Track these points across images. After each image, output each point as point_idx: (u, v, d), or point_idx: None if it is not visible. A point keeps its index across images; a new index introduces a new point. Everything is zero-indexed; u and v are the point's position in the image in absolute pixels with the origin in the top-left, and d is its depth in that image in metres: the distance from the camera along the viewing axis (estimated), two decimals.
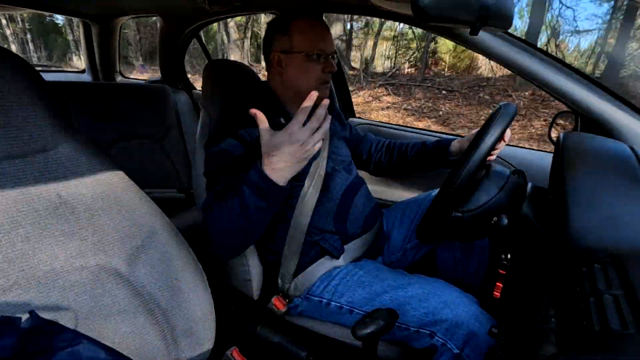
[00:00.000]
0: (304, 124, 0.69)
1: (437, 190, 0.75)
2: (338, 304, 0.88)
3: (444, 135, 1.43)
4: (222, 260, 0.88)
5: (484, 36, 0.99)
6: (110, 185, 0.57)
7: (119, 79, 2.30)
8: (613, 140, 0.84)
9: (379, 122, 1.62)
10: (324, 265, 0.94)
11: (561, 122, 1.06)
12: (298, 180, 0.91)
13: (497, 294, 0.74)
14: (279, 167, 0.70)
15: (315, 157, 0.95)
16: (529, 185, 0.75)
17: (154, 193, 1.47)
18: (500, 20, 0.56)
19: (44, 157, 0.52)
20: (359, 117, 1.69)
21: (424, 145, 1.09)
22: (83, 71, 2.37)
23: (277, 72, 0.95)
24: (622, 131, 0.92)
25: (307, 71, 0.91)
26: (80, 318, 0.51)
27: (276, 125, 0.91)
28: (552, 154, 0.90)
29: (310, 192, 0.92)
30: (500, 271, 0.73)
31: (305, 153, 0.70)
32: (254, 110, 0.71)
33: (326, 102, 0.70)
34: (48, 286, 0.49)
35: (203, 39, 2.10)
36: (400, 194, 1.50)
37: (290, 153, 0.69)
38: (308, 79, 0.92)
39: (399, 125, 1.61)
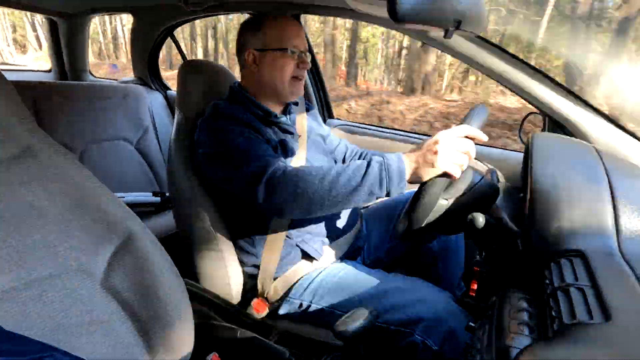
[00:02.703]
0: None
1: (414, 191, 0.76)
2: (319, 306, 0.88)
3: (421, 136, 1.46)
4: (281, 216, 0.87)
5: (457, 39, 1.02)
6: (82, 189, 0.55)
7: (90, 78, 2.22)
8: (578, 141, 0.88)
9: (357, 123, 1.64)
10: (303, 267, 0.93)
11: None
12: None
13: (472, 291, 0.76)
14: (418, 164, 0.70)
15: (293, 155, 0.95)
16: (502, 183, 0.77)
17: (128, 197, 1.43)
18: (474, 24, 0.58)
19: (11, 162, 0.49)
20: (338, 118, 1.70)
21: None
22: (49, 70, 2.27)
23: (252, 70, 0.95)
24: (585, 132, 0.97)
25: (281, 67, 0.92)
26: (49, 328, 0.49)
27: (256, 115, 0.91)
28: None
29: None
30: (475, 268, 0.76)
31: (457, 159, 0.69)
32: None
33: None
34: (14, 295, 0.47)
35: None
36: None
37: (451, 153, 0.68)
38: (282, 75, 0.92)
39: (377, 126, 1.63)
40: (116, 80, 2.17)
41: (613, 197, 0.55)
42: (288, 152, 0.93)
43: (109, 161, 1.63)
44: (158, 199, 1.54)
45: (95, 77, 2.28)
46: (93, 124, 1.61)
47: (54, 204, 0.52)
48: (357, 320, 0.67)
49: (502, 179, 0.82)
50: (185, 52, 2.13)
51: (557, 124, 1.02)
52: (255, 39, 0.93)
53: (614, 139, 0.95)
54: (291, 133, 0.97)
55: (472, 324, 0.66)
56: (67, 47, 2.09)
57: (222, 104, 0.91)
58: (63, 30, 2.03)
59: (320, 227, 0.96)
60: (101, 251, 0.55)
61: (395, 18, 0.47)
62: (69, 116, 1.55)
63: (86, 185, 0.56)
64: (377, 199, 0.73)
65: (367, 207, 1.23)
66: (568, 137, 0.95)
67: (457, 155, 0.68)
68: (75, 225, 0.53)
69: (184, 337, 0.63)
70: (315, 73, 1.62)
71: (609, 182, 0.58)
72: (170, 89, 2.09)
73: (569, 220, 0.53)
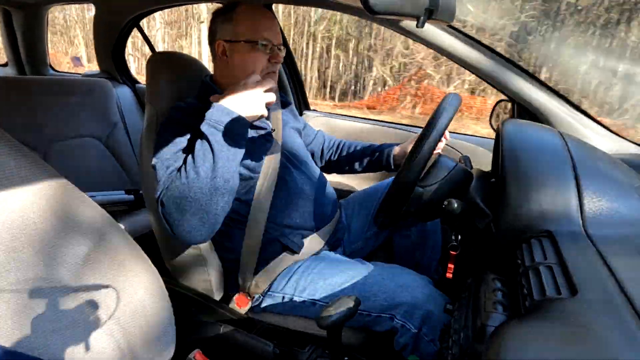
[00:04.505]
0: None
1: (392, 179, 0.78)
2: (301, 298, 0.88)
3: (396, 125, 1.48)
4: (194, 242, 0.82)
5: (428, 28, 1.03)
6: (47, 190, 0.53)
7: (50, 72, 2.10)
8: (545, 127, 0.92)
9: (334, 113, 1.64)
10: (284, 260, 0.93)
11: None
12: (253, 172, 0.90)
13: (449, 274, 0.79)
14: (236, 104, 0.77)
15: (268, 149, 0.94)
16: (475, 169, 0.80)
17: (99, 196, 1.38)
18: (445, 14, 0.59)
19: None
20: (314, 110, 1.70)
21: (370, 149, 1.13)
22: (5, 64, 2.13)
23: (222, 61, 0.92)
24: (552, 118, 1.02)
25: (252, 61, 0.88)
26: (20, 337, 0.47)
27: None
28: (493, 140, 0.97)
29: (266, 186, 0.91)
30: (451, 252, 0.78)
31: (259, 97, 0.78)
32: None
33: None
34: None
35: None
36: (357, 183, 1.54)
37: (245, 95, 0.77)
38: (253, 69, 0.89)
39: (354, 116, 1.64)
40: (80, 74, 2.07)
41: (577, 180, 0.58)
42: (258, 148, 0.92)
43: (76, 160, 1.56)
44: (131, 196, 1.49)
45: (56, 71, 2.16)
46: (56, 121, 1.53)
47: (16, 207, 0.49)
48: (339, 309, 0.68)
49: (474, 165, 0.85)
50: None
51: (525, 111, 1.06)
52: (225, 29, 0.90)
53: (578, 124, 1.00)
54: (264, 129, 0.95)
55: (450, 306, 0.68)
56: (24, 39, 1.96)
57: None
58: (18, 21, 1.90)
59: (300, 221, 0.96)
60: (71, 254, 0.53)
61: (368, 7, 0.46)
62: (29, 113, 1.46)
63: (52, 185, 0.53)
64: (238, 149, 0.77)
65: (345, 195, 1.25)
66: (534, 122, 1.00)
67: (249, 93, 0.78)
68: (41, 228, 0.51)
69: (165, 336, 0.62)
70: (290, 65, 1.60)
71: (573, 165, 0.61)
72: (139, 82, 2.01)
73: (537, 203, 0.55)
